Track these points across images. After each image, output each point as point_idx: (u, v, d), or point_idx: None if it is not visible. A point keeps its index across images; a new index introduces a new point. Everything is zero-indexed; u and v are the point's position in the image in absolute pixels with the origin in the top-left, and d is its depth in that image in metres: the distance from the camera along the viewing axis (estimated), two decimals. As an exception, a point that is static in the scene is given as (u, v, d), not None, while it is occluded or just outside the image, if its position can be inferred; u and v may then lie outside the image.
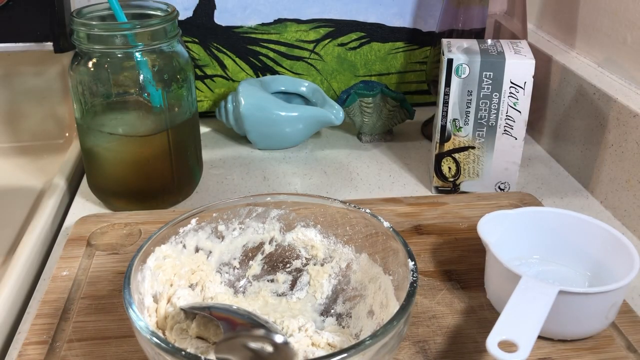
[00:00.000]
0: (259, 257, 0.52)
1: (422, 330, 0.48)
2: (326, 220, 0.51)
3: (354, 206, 0.49)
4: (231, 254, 0.51)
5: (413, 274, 0.41)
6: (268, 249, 0.52)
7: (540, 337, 0.42)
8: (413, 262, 0.42)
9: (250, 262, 0.51)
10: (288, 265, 0.52)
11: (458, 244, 0.58)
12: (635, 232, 0.63)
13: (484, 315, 0.50)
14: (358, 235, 0.49)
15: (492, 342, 0.39)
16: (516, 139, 0.66)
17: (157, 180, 0.65)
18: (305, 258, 0.52)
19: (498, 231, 0.51)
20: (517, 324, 0.41)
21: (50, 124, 0.87)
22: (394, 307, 0.42)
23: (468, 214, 0.63)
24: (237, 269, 0.51)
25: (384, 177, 0.75)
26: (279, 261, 0.52)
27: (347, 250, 0.50)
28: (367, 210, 0.48)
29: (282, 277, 0.51)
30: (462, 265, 0.56)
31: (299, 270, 0.51)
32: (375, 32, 0.86)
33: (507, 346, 0.39)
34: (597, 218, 0.52)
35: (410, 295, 0.40)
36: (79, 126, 0.64)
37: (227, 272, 0.51)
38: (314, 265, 0.51)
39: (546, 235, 0.53)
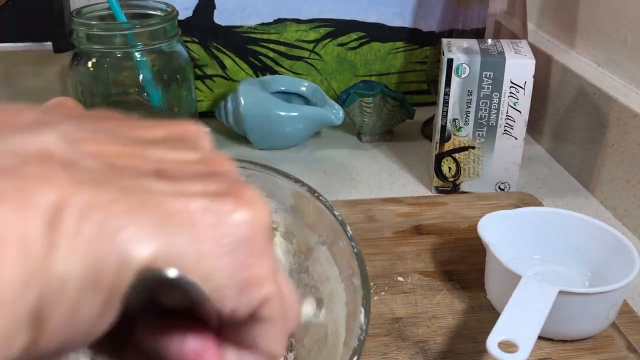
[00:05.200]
0: None
1: (422, 330, 0.48)
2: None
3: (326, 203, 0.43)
4: None
5: (361, 333, 0.33)
6: None
7: (540, 338, 0.42)
8: (365, 319, 0.34)
9: None
10: None
11: (458, 244, 0.58)
12: (635, 232, 0.63)
13: (484, 316, 0.50)
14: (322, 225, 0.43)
15: (492, 342, 0.39)
16: (516, 138, 0.66)
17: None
18: None
19: (498, 231, 0.51)
20: (518, 324, 0.41)
21: (50, 123, 0.87)
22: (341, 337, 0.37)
23: (468, 214, 0.62)
24: None
25: (384, 177, 0.75)
26: None
27: (311, 235, 0.44)
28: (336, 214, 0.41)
29: None
30: (462, 266, 0.55)
31: None
32: (375, 32, 0.86)
33: (508, 346, 0.39)
34: (597, 218, 0.52)
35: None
36: (79, 126, 0.64)
37: None
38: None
39: (546, 236, 0.53)
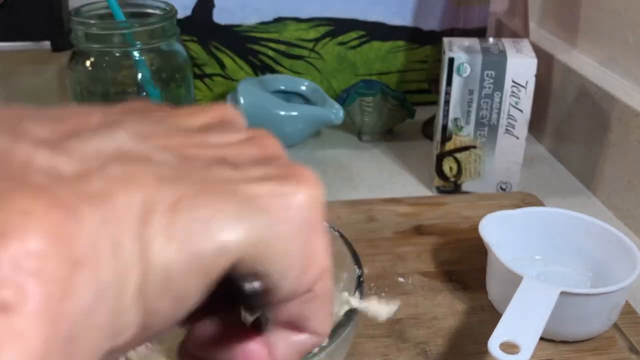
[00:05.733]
0: None
1: (423, 331, 0.48)
2: None
3: None
4: None
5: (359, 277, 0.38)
6: None
7: (542, 339, 0.41)
8: (360, 271, 0.39)
9: None
10: None
11: (459, 244, 0.58)
12: (637, 233, 0.63)
13: (485, 317, 0.49)
14: None
15: (493, 343, 0.39)
16: (518, 138, 0.66)
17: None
18: None
19: (500, 231, 0.51)
20: (519, 325, 0.40)
21: (49, 123, 0.87)
22: None
23: (469, 214, 0.62)
24: None
25: (384, 177, 0.74)
26: None
27: None
28: None
29: None
30: (463, 266, 0.55)
31: None
32: (376, 31, 0.86)
33: (509, 348, 0.39)
34: (599, 218, 0.52)
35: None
36: (77, 125, 0.64)
37: None
38: None
39: (548, 236, 0.53)
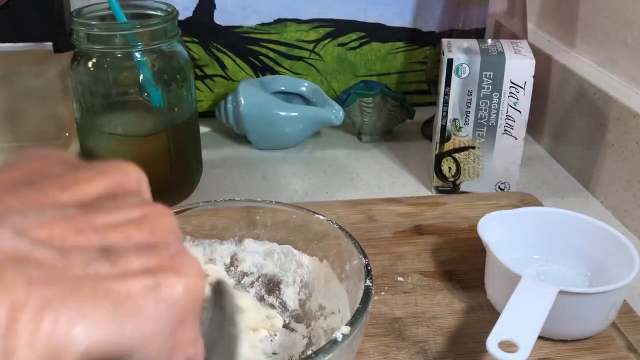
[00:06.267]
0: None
1: (422, 330, 0.48)
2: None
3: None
4: None
5: (368, 270, 0.40)
6: None
7: (540, 338, 0.42)
8: (366, 260, 0.42)
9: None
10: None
11: (458, 244, 0.58)
12: (635, 232, 0.63)
13: (484, 316, 0.50)
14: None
15: (492, 342, 0.39)
16: (516, 138, 0.66)
17: (157, 180, 0.65)
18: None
19: (498, 231, 0.51)
20: (518, 324, 0.41)
21: (50, 124, 0.87)
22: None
23: (468, 214, 0.62)
24: None
25: (384, 177, 0.75)
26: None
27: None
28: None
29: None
30: (462, 266, 0.55)
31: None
32: (375, 32, 0.86)
33: (508, 346, 0.39)
34: (597, 218, 0.52)
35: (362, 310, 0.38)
36: (79, 126, 0.64)
37: None
38: None
39: (546, 236, 0.53)
